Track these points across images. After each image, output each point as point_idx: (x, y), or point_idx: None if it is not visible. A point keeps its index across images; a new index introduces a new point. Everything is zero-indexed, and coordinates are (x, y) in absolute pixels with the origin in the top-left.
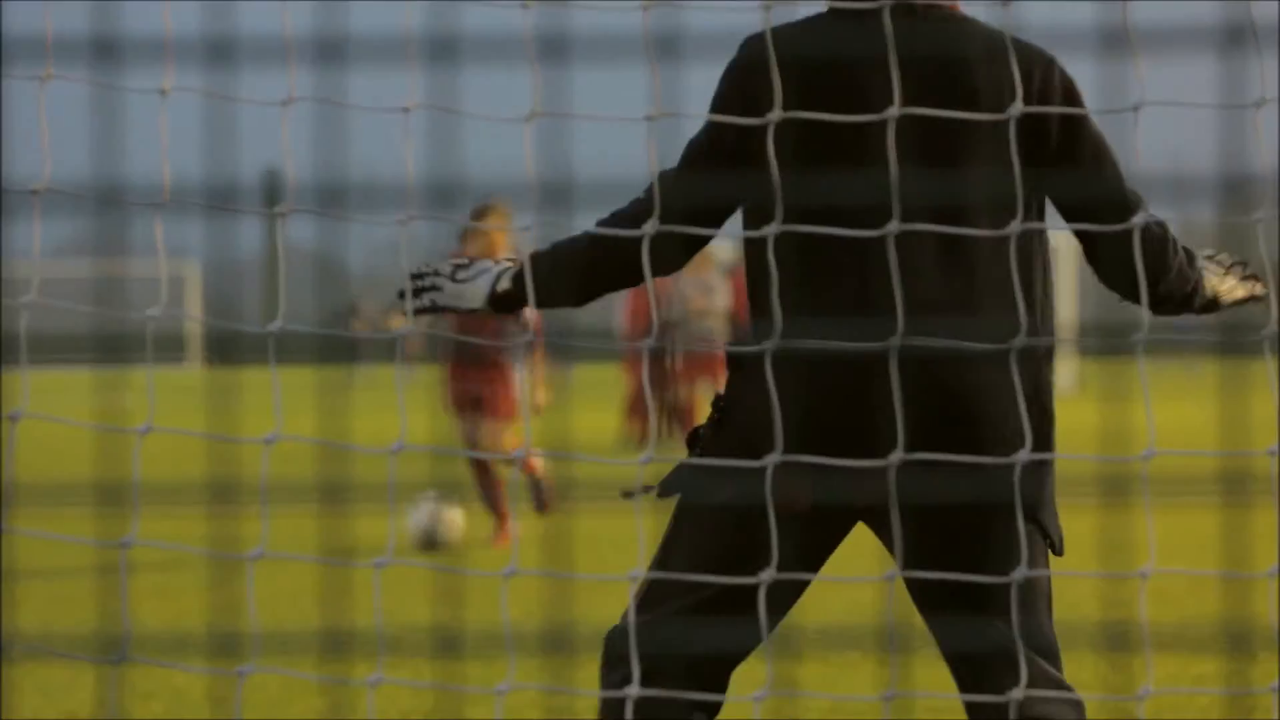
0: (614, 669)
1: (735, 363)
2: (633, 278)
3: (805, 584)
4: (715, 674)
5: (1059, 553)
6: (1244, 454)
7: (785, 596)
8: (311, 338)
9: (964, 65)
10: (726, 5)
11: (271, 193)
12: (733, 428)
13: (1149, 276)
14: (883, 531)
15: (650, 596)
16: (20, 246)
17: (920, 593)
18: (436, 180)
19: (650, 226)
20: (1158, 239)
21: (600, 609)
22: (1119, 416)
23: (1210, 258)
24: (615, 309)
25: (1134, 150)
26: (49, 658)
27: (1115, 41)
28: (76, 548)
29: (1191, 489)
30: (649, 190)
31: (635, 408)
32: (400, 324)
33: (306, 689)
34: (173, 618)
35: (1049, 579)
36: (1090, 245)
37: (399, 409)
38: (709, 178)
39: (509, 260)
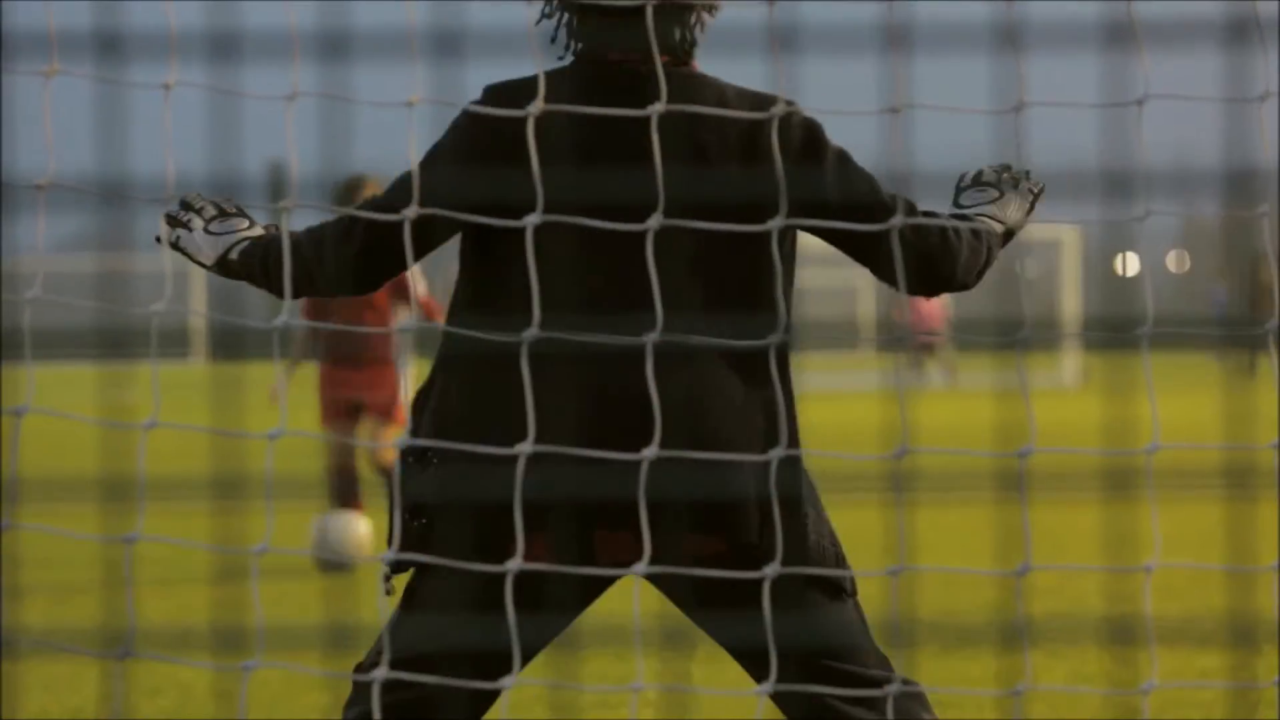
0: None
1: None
2: (320, 289)
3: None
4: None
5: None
6: (1248, 448)
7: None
8: None
9: (697, 117)
10: (728, 3)
11: (276, 187)
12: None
13: (940, 267)
14: (652, 580)
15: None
16: (24, 242)
17: (692, 603)
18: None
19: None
20: (934, 232)
21: (604, 603)
22: (1123, 411)
23: (981, 184)
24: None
25: (1138, 143)
26: (54, 653)
27: (1120, 36)
28: (81, 543)
29: (1195, 483)
30: (361, 209)
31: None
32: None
33: (311, 684)
34: (177, 613)
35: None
36: (862, 256)
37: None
38: (413, 201)
39: (257, 231)
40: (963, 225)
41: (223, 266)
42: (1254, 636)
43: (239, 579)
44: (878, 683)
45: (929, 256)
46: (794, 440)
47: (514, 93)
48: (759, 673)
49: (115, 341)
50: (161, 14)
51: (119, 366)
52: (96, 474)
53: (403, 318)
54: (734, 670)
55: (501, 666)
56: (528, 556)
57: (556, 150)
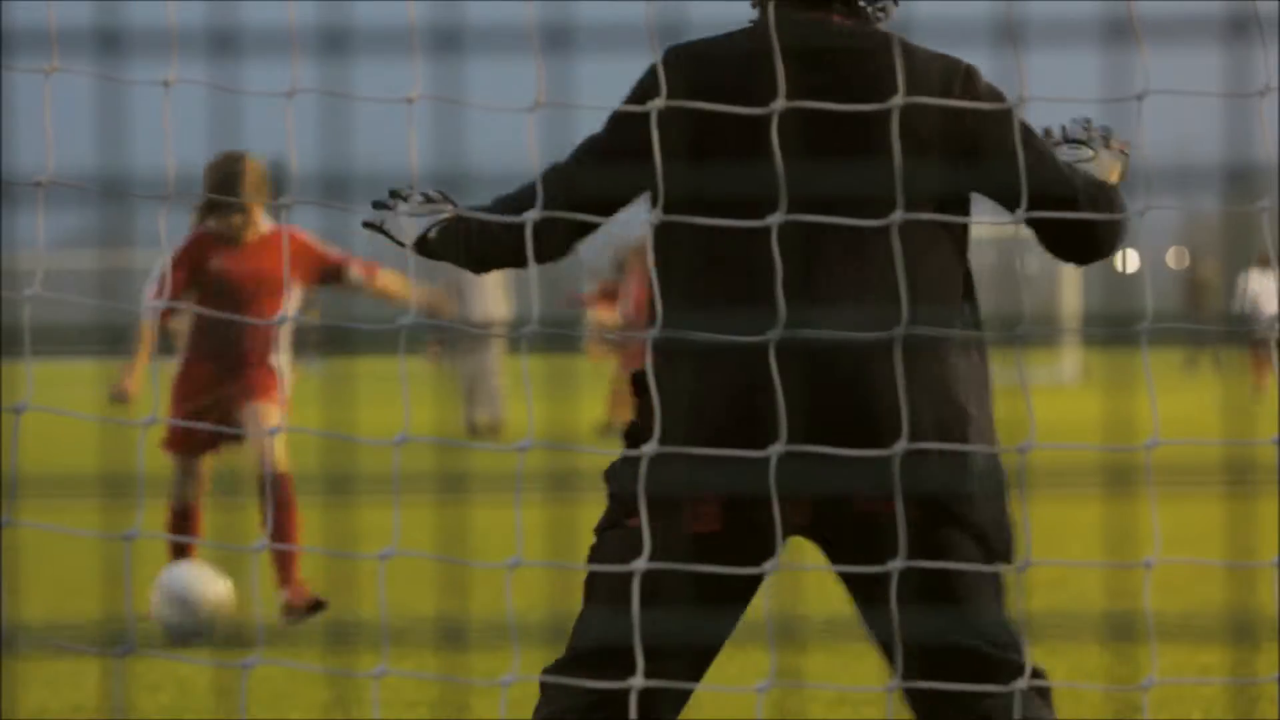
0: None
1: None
2: (517, 260)
3: (734, 618)
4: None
5: (998, 559)
6: (1248, 443)
7: (709, 636)
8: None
9: (879, 79)
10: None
11: (276, 184)
12: (649, 430)
13: (1112, 241)
14: (821, 541)
15: (571, 647)
16: (24, 238)
17: (861, 593)
18: (440, 171)
19: (534, 214)
20: (1113, 208)
21: None
22: (1123, 406)
23: (1071, 141)
24: (621, 299)
25: (1138, 138)
26: (54, 651)
27: (1120, 31)
28: (81, 540)
29: (1196, 479)
30: (543, 177)
31: (623, 396)
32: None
33: (312, 680)
34: None
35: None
36: (1039, 229)
37: (403, 401)
38: (600, 169)
39: (450, 211)
40: (1119, 196)
41: (421, 245)
42: (1254, 632)
43: (240, 576)
44: (1006, 666)
45: (1102, 233)
46: (976, 426)
47: (700, 56)
48: (899, 654)
49: (115, 338)
50: (161, 10)
51: (119, 363)
52: (96, 470)
53: (313, 294)
54: (734, 667)
55: (691, 660)
56: (710, 530)
57: (753, 117)
